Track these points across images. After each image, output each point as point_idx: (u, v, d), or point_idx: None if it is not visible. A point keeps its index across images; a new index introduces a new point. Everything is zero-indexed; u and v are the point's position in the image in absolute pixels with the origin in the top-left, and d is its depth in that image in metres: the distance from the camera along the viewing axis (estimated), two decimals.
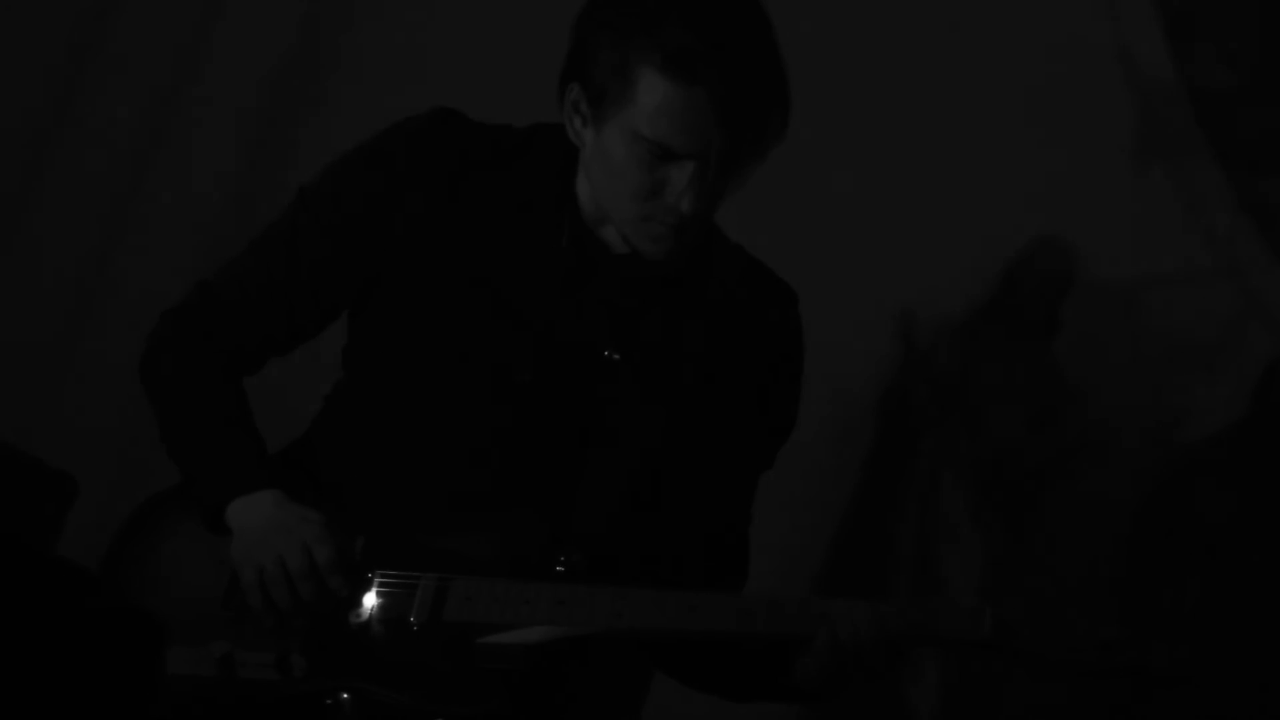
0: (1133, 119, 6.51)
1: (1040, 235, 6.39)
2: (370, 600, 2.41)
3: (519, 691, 2.39)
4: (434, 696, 2.38)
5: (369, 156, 2.52)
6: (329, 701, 2.38)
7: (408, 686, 2.38)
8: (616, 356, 2.47)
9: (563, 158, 2.48)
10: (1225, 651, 6.01)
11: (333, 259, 2.51)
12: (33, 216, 5.58)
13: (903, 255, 6.31)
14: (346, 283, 2.51)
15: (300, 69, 5.88)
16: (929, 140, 6.32)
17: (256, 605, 2.42)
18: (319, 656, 2.40)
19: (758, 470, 2.58)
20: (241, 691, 2.40)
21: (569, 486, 2.47)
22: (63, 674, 1.89)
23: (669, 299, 2.50)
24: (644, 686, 3.54)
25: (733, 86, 2.34)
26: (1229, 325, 6.56)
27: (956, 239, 6.39)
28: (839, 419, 6.25)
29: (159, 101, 5.72)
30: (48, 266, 5.58)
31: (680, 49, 2.33)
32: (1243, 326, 6.56)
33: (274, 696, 2.39)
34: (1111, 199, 6.45)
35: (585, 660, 2.48)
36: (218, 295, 2.57)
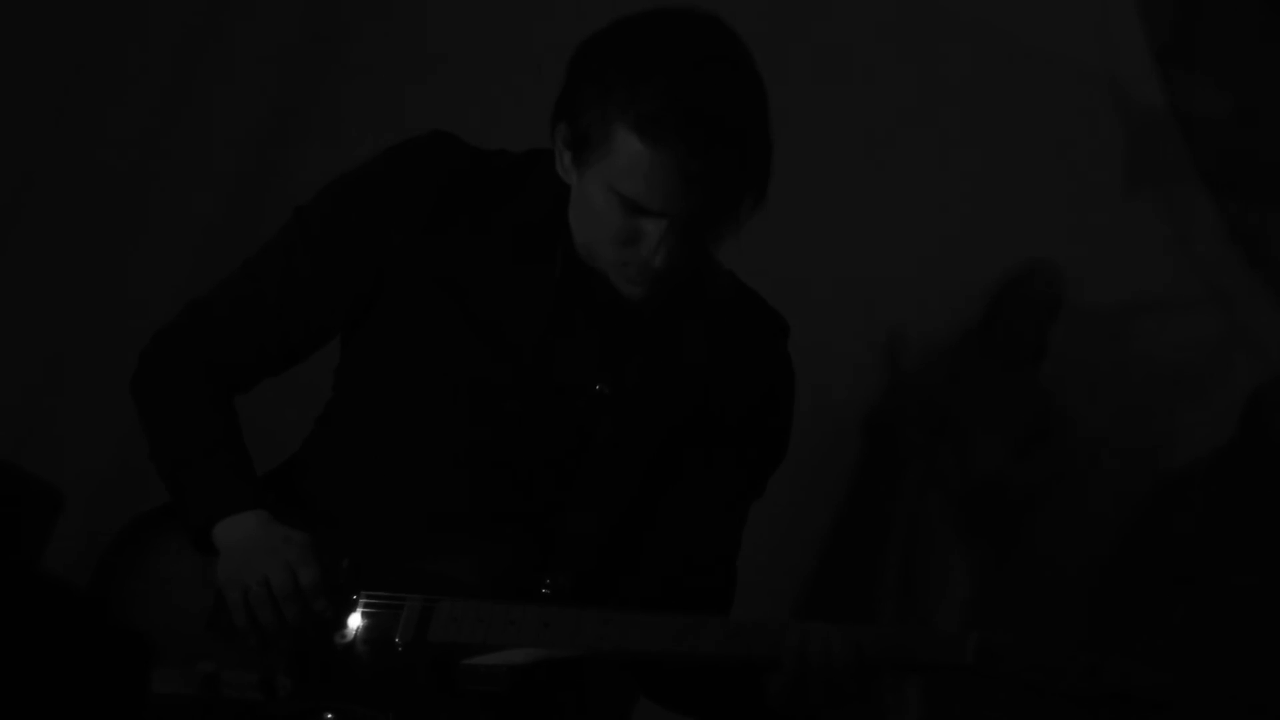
0: (1122, 145, 6.53)
1: (1029, 259, 6.40)
2: (355, 621, 2.42)
3: (504, 713, 2.39)
4: (419, 717, 2.38)
5: (365, 179, 2.53)
6: None
7: (392, 707, 2.38)
8: (606, 390, 2.48)
9: (559, 186, 2.48)
10: (1211, 676, 6.02)
11: (326, 280, 2.51)
12: (26, 228, 5.57)
13: (892, 277, 6.32)
14: (339, 304, 2.52)
15: (301, 81, 5.88)
16: (919, 163, 6.34)
17: (241, 625, 2.42)
18: (303, 677, 2.40)
19: (748, 500, 2.58)
20: (226, 712, 2.40)
21: (556, 511, 2.47)
22: (49, 692, 1.88)
23: (660, 329, 2.50)
24: (628, 707, 3.54)
25: (700, 157, 2.34)
26: (1215, 352, 6.57)
27: (945, 262, 6.40)
28: (826, 439, 6.25)
29: (156, 115, 5.71)
30: (37, 280, 5.58)
31: (653, 112, 2.34)
32: (1229, 353, 6.57)
33: (258, 717, 2.39)
34: (1100, 224, 6.46)
35: (570, 682, 2.48)
36: (211, 313, 2.57)
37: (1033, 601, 6.36)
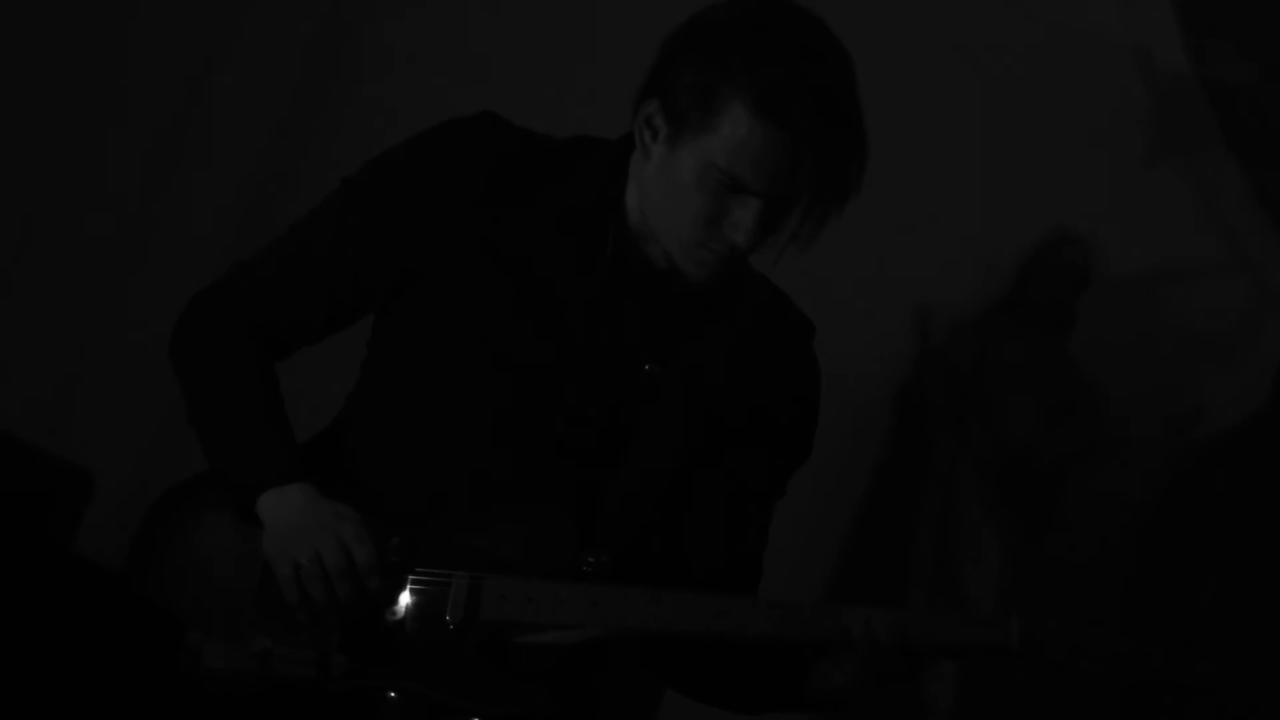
0: (1149, 114, 6.51)
1: (1056, 230, 6.39)
2: (405, 599, 2.41)
3: (557, 691, 2.40)
4: (474, 695, 2.37)
5: (415, 153, 2.52)
6: (375, 700, 2.38)
7: (445, 685, 2.38)
8: (656, 370, 2.48)
9: (610, 169, 2.49)
10: (1245, 652, 6.01)
11: (374, 249, 2.50)
12: (49, 214, 5.59)
13: (919, 251, 6.31)
14: (384, 274, 2.51)
15: (319, 69, 5.89)
16: (946, 135, 6.32)
17: (292, 600, 2.41)
18: (358, 655, 2.40)
19: (772, 499, 2.59)
20: (282, 688, 2.39)
21: (599, 490, 2.47)
22: (79, 669, 1.89)
23: (701, 321, 2.51)
24: (661, 689, 3.55)
25: (820, 137, 2.36)
26: (1245, 320, 6.55)
27: (973, 234, 6.39)
28: (856, 415, 6.25)
29: (176, 102, 5.73)
30: (64, 264, 5.59)
31: (774, 89, 2.35)
32: (1258, 321, 6.55)
33: (316, 694, 2.39)
34: (1127, 194, 6.45)
35: (605, 663, 2.48)
36: (256, 274, 2.55)
37: (1064, 574, 6.36)
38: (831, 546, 6.44)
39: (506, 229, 2.48)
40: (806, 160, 2.36)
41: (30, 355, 5.51)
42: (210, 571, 2.48)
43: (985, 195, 6.37)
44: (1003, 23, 6.33)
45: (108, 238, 5.62)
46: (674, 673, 2.56)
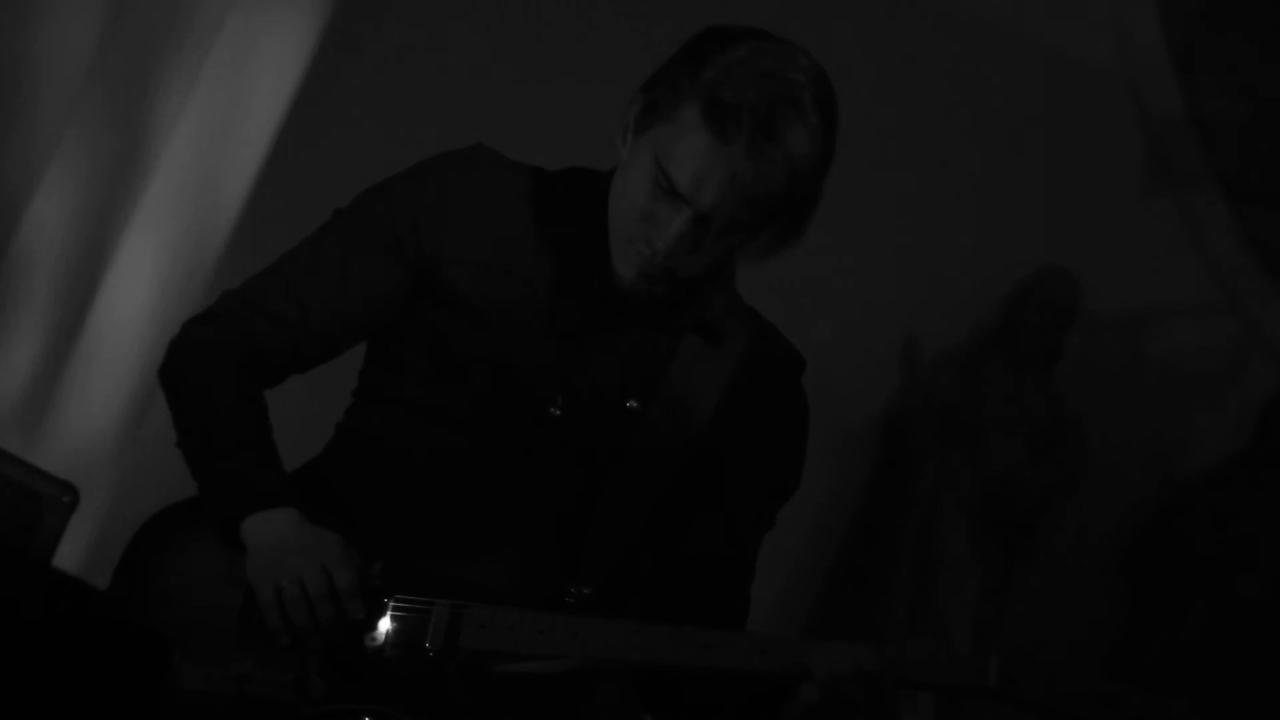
0: (1140, 150, 6.52)
1: (1045, 265, 6.40)
2: (385, 625, 2.42)
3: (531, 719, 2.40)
4: None
5: (406, 184, 2.54)
6: None
7: (423, 712, 2.38)
8: (637, 406, 2.48)
9: (600, 201, 2.49)
10: (1223, 684, 6.02)
11: (364, 280, 2.52)
12: (33, 223, 5.58)
13: (907, 282, 6.32)
14: (375, 305, 2.52)
15: (316, 85, 5.89)
16: (936, 168, 6.34)
17: (273, 625, 2.41)
18: (337, 679, 2.40)
19: (760, 531, 2.60)
20: (259, 711, 2.40)
21: (582, 523, 2.48)
22: (66, 689, 1.88)
23: (688, 354, 2.51)
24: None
25: (755, 160, 2.37)
26: (1231, 358, 6.57)
27: (961, 267, 6.40)
28: (841, 444, 6.25)
29: (160, 113, 5.73)
30: (49, 274, 5.58)
31: (728, 102, 2.36)
32: (1244, 360, 6.57)
33: (292, 718, 2.39)
34: (1116, 230, 6.46)
35: (584, 694, 2.49)
36: (245, 304, 2.56)
37: (1045, 607, 6.36)
38: (813, 572, 6.44)
39: (496, 260, 2.49)
40: (735, 179, 2.36)
41: (13, 367, 5.50)
42: (193, 594, 2.49)
43: (975, 228, 6.38)
44: (996, 57, 6.34)
45: (92, 247, 5.62)
46: (658, 702, 2.56)
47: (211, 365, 2.55)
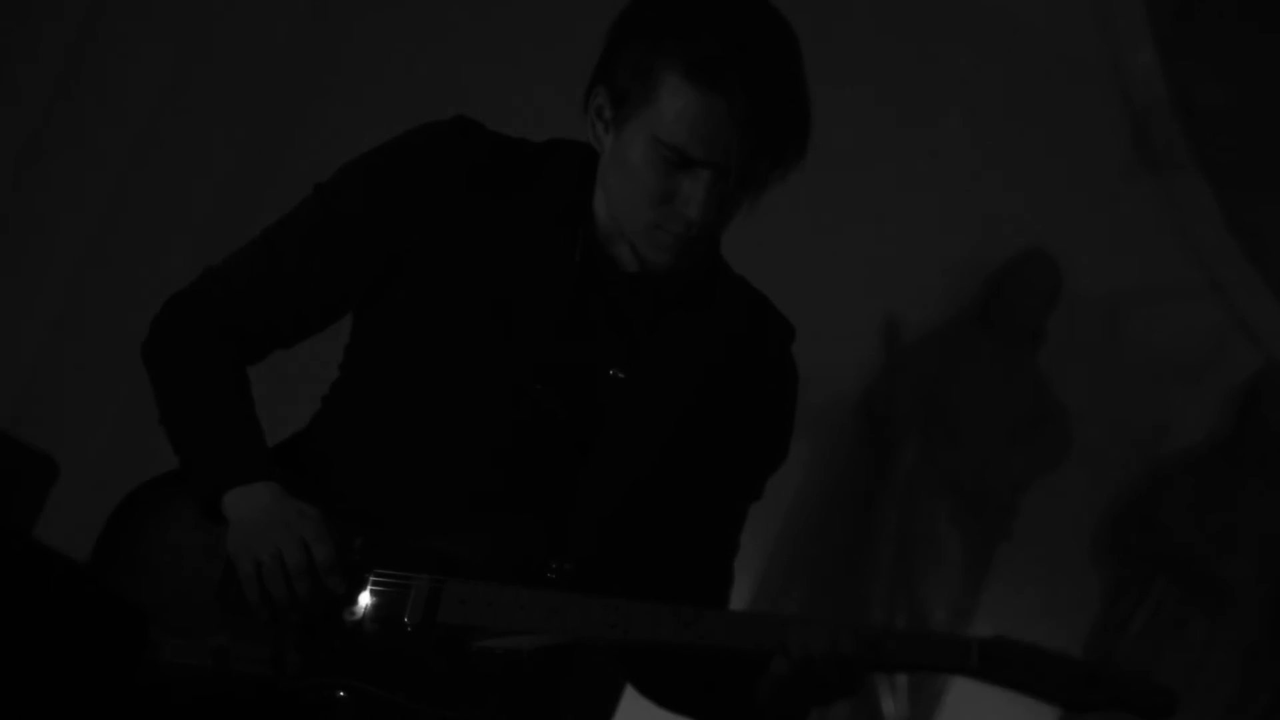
0: (1124, 134, 6.53)
1: (1028, 247, 6.41)
2: (365, 599, 2.41)
3: (513, 696, 2.40)
4: (428, 698, 2.38)
5: (389, 157, 2.52)
6: (326, 699, 2.38)
7: (401, 687, 2.38)
8: (621, 375, 2.48)
9: (580, 172, 2.49)
10: (1199, 668, 6.03)
11: (344, 255, 2.51)
12: (21, 207, 5.58)
13: (889, 262, 6.33)
14: (355, 280, 2.51)
15: (297, 69, 5.89)
16: (920, 149, 6.34)
17: (252, 598, 2.41)
18: (314, 654, 2.40)
19: (747, 502, 2.59)
20: (236, 685, 2.40)
21: (564, 496, 2.48)
22: (43, 660, 1.88)
23: (674, 323, 2.51)
24: (616, 695, 3.55)
25: (755, 99, 2.35)
26: (1212, 341, 6.58)
27: (943, 248, 6.41)
28: (820, 424, 6.26)
29: (153, 99, 5.72)
30: (32, 253, 5.58)
31: (707, 57, 2.35)
32: (1225, 343, 6.58)
33: (269, 692, 2.39)
34: (1100, 213, 6.47)
35: (565, 669, 2.49)
36: (228, 280, 2.56)
37: (1024, 588, 6.38)
38: (793, 551, 6.45)
39: (479, 234, 2.49)
40: (742, 122, 2.36)
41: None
42: (173, 567, 2.48)
43: (959, 208, 6.39)
44: (981, 41, 6.35)
45: (77, 228, 5.61)
46: (639, 673, 2.56)
47: (193, 341, 2.55)
